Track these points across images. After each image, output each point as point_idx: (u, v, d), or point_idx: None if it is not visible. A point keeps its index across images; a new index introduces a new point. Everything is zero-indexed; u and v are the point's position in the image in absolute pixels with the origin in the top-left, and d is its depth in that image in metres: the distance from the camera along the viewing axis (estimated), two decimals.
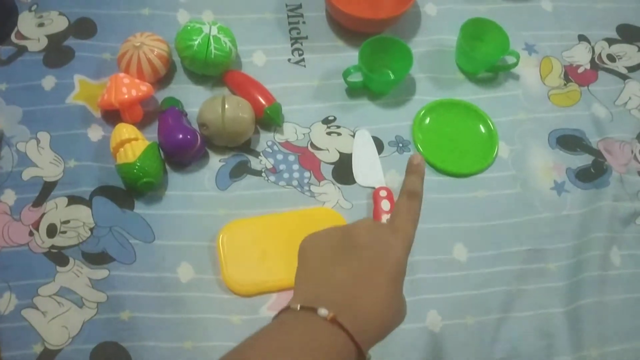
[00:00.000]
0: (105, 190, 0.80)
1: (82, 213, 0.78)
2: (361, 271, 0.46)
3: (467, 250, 0.82)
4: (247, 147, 0.86)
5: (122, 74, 0.83)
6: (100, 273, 0.74)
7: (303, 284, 0.48)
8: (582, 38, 1.01)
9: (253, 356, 0.41)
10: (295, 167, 0.85)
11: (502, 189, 0.87)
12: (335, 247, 0.49)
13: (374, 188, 0.84)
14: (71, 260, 0.75)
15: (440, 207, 0.84)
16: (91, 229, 0.77)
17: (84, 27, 0.91)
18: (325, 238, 0.50)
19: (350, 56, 0.93)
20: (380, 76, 0.92)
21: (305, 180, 0.84)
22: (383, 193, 0.83)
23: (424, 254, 0.80)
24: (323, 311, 0.43)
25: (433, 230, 0.82)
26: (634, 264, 0.84)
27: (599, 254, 0.83)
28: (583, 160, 0.90)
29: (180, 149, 0.80)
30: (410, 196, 0.52)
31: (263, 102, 0.86)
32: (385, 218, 0.81)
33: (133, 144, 0.79)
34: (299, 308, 0.44)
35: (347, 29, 0.95)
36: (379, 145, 0.88)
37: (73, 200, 0.78)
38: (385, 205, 0.82)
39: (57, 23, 0.91)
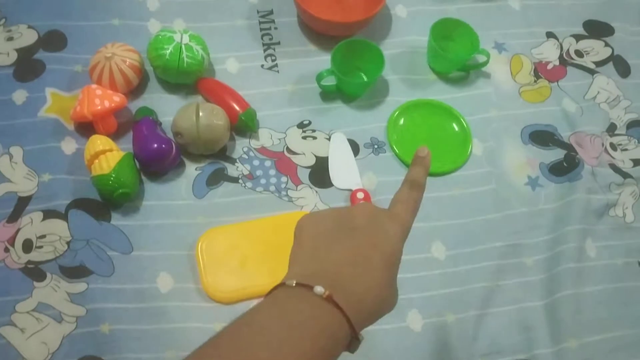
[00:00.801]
0: (81, 203, 0.79)
1: (58, 227, 0.77)
2: (358, 252, 0.46)
3: (445, 248, 0.83)
4: (223, 154, 0.86)
5: (94, 86, 0.83)
6: (79, 287, 0.74)
7: (298, 261, 0.48)
8: (550, 35, 1.03)
9: (248, 333, 0.40)
10: (272, 172, 0.85)
11: (477, 186, 0.88)
12: (332, 227, 0.49)
13: (351, 190, 0.84)
14: (48, 275, 0.74)
15: None
16: (68, 243, 0.76)
17: (54, 40, 0.90)
18: (323, 218, 0.50)
19: (323, 60, 0.93)
20: (353, 79, 0.92)
21: (283, 185, 0.84)
22: (360, 195, 0.83)
23: (403, 253, 0.80)
24: (319, 289, 0.42)
25: (411, 230, 0.82)
26: (608, 255, 0.85)
27: (574, 247, 0.84)
28: (555, 154, 0.92)
29: (156, 159, 0.80)
30: (412, 186, 0.52)
31: (237, 108, 0.86)
32: None
33: (108, 155, 0.79)
34: (294, 284, 0.43)
35: (319, 33, 0.96)
36: (355, 148, 0.88)
37: (49, 214, 0.78)
38: None
39: (27, 36, 0.90)
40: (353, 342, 0.44)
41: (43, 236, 0.76)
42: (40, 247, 0.76)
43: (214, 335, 0.41)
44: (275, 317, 0.42)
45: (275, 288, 0.44)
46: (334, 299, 0.42)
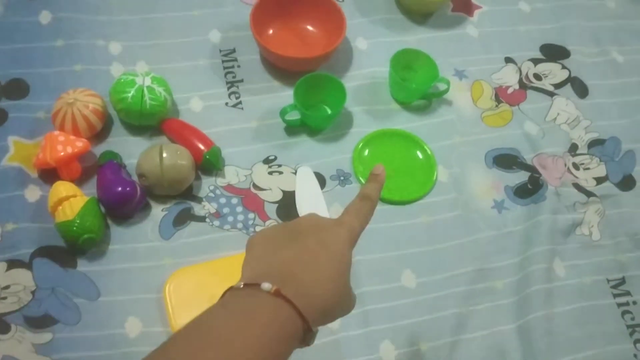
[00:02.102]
0: (45, 251, 0.78)
1: (23, 277, 0.76)
2: (304, 253, 0.47)
3: (415, 276, 0.83)
4: (189, 193, 0.85)
5: (56, 132, 0.83)
6: (44, 337, 0.72)
7: (247, 268, 0.49)
8: (508, 60, 1.05)
9: (197, 335, 0.41)
10: (239, 209, 0.85)
11: (444, 212, 0.88)
12: (280, 235, 0.50)
13: None
14: (13, 326, 0.73)
15: (386, 235, 0.85)
16: (33, 292, 0.75)
17: (16, 88, 0.90)
18: (271, 230, 0.51)
19: (287, 95, 0.94)
20: (316, 112, 0.93)
21: (250, 222, 0.84)
22: None
23: (373, 284, 0.81)
24: (266, 285, 0.43)
25: (380, 260, 0.83)
26: (577, 274, 0.86)
27: (543, 267, 0.85)
28: (520, 177, 0.93)
29: (120, 202, 0.80)
30: (362, 198, 0.54)
31: (202, 147, 0.86)
32: None
33: (71, 201, 0.78)
34: (242, 286, 0.44)
35: (281, 69, 0.97)
36: (321, 180, 0.89)
37: (12, 264, 0.77)
38: None
39: None
40: (307, 334, 0.44)
41: (7, 287, 0.75)
42: (4, 298, 0.74)
43: (164, 341, 0.41)
44: (223, 316, 0.42)
45: (225, 293, 0.45)
46: (282, 292, 0.43)
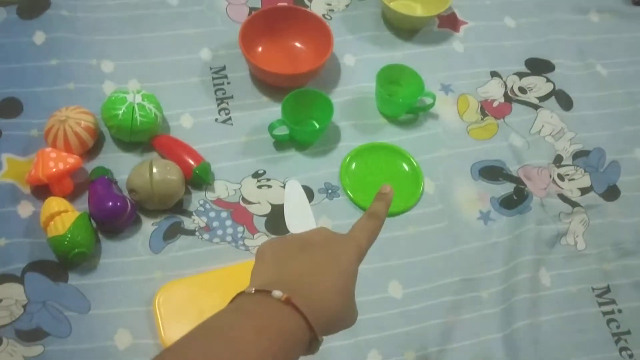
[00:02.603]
0: (37, 265, 0.80)
1: (14, 291, 0.77)
2: (314, 264, 0.49)
3: (402, 287, 0.84)
4: (179, 208, 0.87)
5: (48, 149, 0.85)
6: (35, 350, 0.74)
7: (258, 275, 0.50)
8: (494, 74, 1.07)
9: (206, 338, 0.42)
10: (229, 222, 0.87)
11: (431, 223, 0.90)
12: (291, 246, 0.52)
13: None
14: (4, 340, 0.74)
15: (373, 246, 0.85)
16: (24, 306, 0.76)
17: (9, 107, 0.92)
18: (282, 240, 0.53)
19: (276, 111, 0.96)
20: (304, 127, 0.95)
21: (239, 235, 0.86)
22: None
23: (360, 295, 0.79)
24: (277, 293, 0.44)
25: (367, 271, 0.83)
26: (562, 283, 0.87)
27: (529, 277, 0.86)
28: (505, 188, 0.94)
29: (111, 217, 0.81)
30: (370, 216, 0.55)
31: (192, 162, 0.88)
32: None
33: (63, 216, 0.80)
34: (253, 291, 0.46)
35: (270, 86, 0.99)
36: (309, 194, 0.90)
37: (4, 278, 0.78)
38: None
39: None
40: (313, 343, 0.46)
41: None
42: None
43: (173, 343, 0.42)
44: (234, 320, 0.43)
45: (236, 297, 0.46)
46: (293, 301, 0.44)
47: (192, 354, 0.40)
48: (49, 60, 0.97)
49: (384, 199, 0.57)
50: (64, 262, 0.80)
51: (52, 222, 0.79)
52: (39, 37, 0.99)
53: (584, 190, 0.96)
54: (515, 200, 0.93)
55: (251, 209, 0.88)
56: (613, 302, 0.87)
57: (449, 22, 1.13)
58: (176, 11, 1.07)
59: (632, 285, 0.89)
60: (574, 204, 0.94)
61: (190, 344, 0.41)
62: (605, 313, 0.86)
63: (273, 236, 0.86)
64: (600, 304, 0.87)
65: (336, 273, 0.49)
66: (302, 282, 0.47)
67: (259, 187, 0.90)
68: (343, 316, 0.49)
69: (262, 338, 0.42)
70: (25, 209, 0.84)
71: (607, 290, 0.88)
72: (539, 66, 1.09)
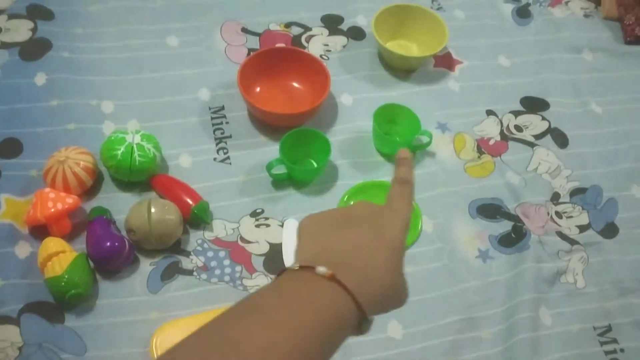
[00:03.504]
0: (34, 307, 0.79)
1: (10, 332, 0.76)
2: (360, 239, 0.47)
3: (401, 327, 0.83)
4: (177, 247, 0.87)
5: (47, 189, 0.85)
6: None
7: (302, 251, 0.48)
8: (490, 112, 1.08)
9: (249, 315, 0.40)
10: (227, 262, 0.86)
11: (429, 262, 0.90)
12: (334, 221, 0.49)
13: None
14: None
15: None
16: (20, 348, 0.75)
17: (9, 147, 0.93)
18: (324, 214, 0.51)
19: (274, 150, 0.97)
20: (302, 166, 0.96)
21: (237, 275, 0.85)
22: None
23: (361, 335, 0.81)
24: (322, 269, 0.43)
25: None
26: (563, 322, 0.87)
27: (529, 316, 0.85)
28: (503, 226, 0.94)
29: (109, 257, 0.81)
30: (401, 183, 0.53)
31: (190, 202, 0.88)
32: None
33: (60, 256, 0.79)
34: (297, 267, 0.44)
35: (268, 125, 1.00)
36: None
37: (0, 320, 0.77)
38: None
39: None
40: (363, 323, 0.44)
41: None
42: None
43: (212, 320, 0.40)
44: (275, 298, 0.42)
45: (280, 273, 0.45)
46: (338, 277, 0.42)
47: (231, 332, 0.38)
48: (49, 101, 0.98)
49: (406, 163, 0.55)
50: (61, 303, 0.79)
51: (50, 263, 0.79)
52: (40, 78, 1.00)
53: (582, 228, 0.96)
54: (514, 238, 0.93)
55: (249, 248, 0.88)
56: (615, 341, 0.86)
57: (445, 61, 1.15)
58: (176, 52, 1.08)
59: (633, 324, 0.88)
60: (572, 242, 0.94)
61: (229, 321, 0.40)
62: (607, 352, 0.85)
63: (271, 276, 0.86)
64: (602, 343, 0.86)
65: (383, 248, 0.47)
66: (348, 258, 0.45)
67: (257, 226, 0.90)
68: (393, 294, 0.47)
69: (305, 316, 0.40)
70: (23, 250, 0.84)
71: (609, 329, 0.87)
72: (534, 104, 1.11)
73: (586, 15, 1.28)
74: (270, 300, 0.42)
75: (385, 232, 0.48)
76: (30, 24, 1.07)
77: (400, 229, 0.49)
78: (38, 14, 1.08)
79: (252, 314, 0.40)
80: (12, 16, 1.07)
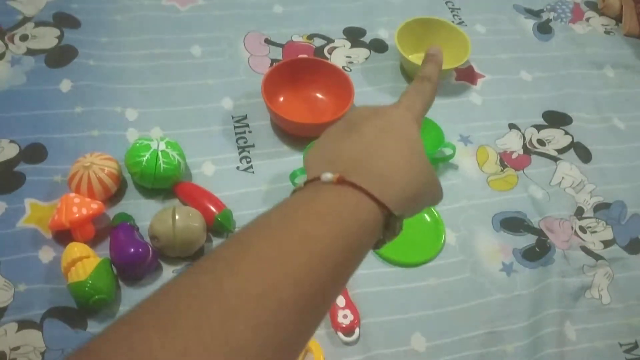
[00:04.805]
0: (57, 312, 0.79)
1: (33, 337, 0.76)
2: (367, 139, 0.43)
3: (425, 340, 0.82)
4: (200, 255, 0.86)
5: (72, 194, 0.85)
6: None
7: (308, 170, 0.45)
8: (512, 126, 1.08)
9: (255, 239, 0.37)
10: None
11: (452, 275, 0.89)
12: (337, 130, 0.46)
13: None
14: None
15: (394, 298, 0.85)
16: (42, 353, 0.75)
17: (34, 152, 0.93)
18: (325, 133, 0.48)
19: (297, 159, 0.97)
20: None
21: None
22: None
23: (382, 347, 0.80)
24: (327, 175, 0.40)
25: (389, 323, 0.83)
26: (589, 338, 0.85)
27: (554, 331, 0.84)
28: (527, 240, 0.94)
29: (132, 263, 0.81)
30: (421, 80, 0.50)
31: (213, 209, 0.88)
32: (341, 314, 0.81)
33: (84, 261, 0.79)
34: (303, 185, 0.41)
35: (291, 135, 1.00)
36: None
37: (23, 325, 0.77)
38: (340, 301, 0.82)
39: (8, 150, 0.93)
40: (391, 221, 0.40)
41: (17, 348, 0.75)
42: (14, 359, 0.74)
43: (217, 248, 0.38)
44: (281, 216, 0.39)
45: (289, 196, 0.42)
46: (347, 179, 0.39)
47: (230, 261, 0.36)
48: (74, 108, 0.99)
49: (434, 60, 0.51)
50: (84, 308, 0.79)
51: (74, 268, 0.79)
52: (65, 85, 1.01)
53: (606, 243, 0.95)
54: (538, 252, 0.92)
55: None
56: None
57: (467, 75, 1.15)
58: (199, 62, 1.09)
59: None
60: (597, 257, 0.93)
61: (228, 251, 0.37)
62: None
63: None
64: None
65: (393, 141, 0.43)
66: (357, 159, 0.42)
67: None
68: (420, 185, 0.43)
69: (318, 226, 0.37)
70: (46, 254, 0.83)
71: (635, 346, 0.86)
72: (556, 119, 1.10)
73: (607, 32, 1.28)
74: (276, 219, 0.38)
75: (392, 125, 0.44)
76: (57, 32, 1.08)
77: (407, 118, 0.45)
78: (65, 22, 1.10)
79: (255, 238, 0.37)
80: (38, 24, 1.09)
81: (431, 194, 0.46)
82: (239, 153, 0.98)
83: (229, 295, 0.33)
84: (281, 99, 1.04)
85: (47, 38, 1.07)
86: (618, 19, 1.30)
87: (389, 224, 0.40)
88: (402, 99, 0.48)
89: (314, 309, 0.36)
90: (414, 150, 0.44)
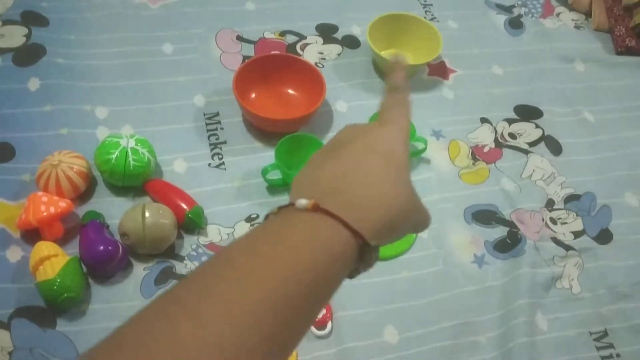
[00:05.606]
0: (24, 311, 0.78)
1: (1, 337, 0.75)
2: (348, 163, 0.41)
3: (397, 332, 0.82)
4: (171, 252, 0.86)
5: (40, 193, 0.84)
6: None
7: (290, 195, 0.42)
8: (484, 120, 1.09)
9: (219, 270, 0.35)
10: None
11: (425, 267, 0.89)
12: (320, 155, 0.44)
13: None
14: None
15: (367, 291, 0.85)
16: (10, 353, 0.74)
17: (2, 152, 0.91)
18: (313, 155, 0.45)
19: (269, 156, 0.96)
20: (297, 171, 0.95)
21: None
22: None
23: (355, 340, 0.80)
24: (301, 201, 0.37)
25: (361, 316, 0.83)
26: (560, 327, 0.86)
27: (525, 321, 0.85)
28: (499, 232, 0.94)
29: (102, 261, 0.80)
30: (395, 90, 0.47)
31: (184, 206, 0.87)
32: None
33: (53, 260, 0.78)
34: (277, 210, 0.39)
35: (263, 131, 1.00)
36: None
37: None
38: None
39: None
40: (365, 251, 0.37)
41: None
42: None
43: (179, 283, 0.35)
44: (245, 247, 0.36)
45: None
46: (321, 206, 0.37)
47: (186, 299, 0.33)
48: (43, 106, 0.98)
49: (399, 69, 0.49)
50: (52, 307, 0.78)
51: (42, 266, 0.78)
52: (34, 84, 1.00)
53: (576, 234, 0.96)
54: (509, 244, 0.93)
55: None
56: (611, 346, 0.86)
57: (439, 70, 1.15)
58: (171, 59, 1.08)
59: (629, 329, 0.88)
60: (567, 248, 0.94)
61: (187, 292, 0.34)
62: (603, 358, 0.85)
63: None
64: (598, 349, 0.86)
65: (377, 164, 0.40)
66: (335, 184, 0.39)
67: None
68: (403, 211, 0.40)
69: (285, 261, 0.34)
70: (14, 254, 0.82)
71: (605, 334, 0.87)
72: (527, 113, 1.11)
73: (577, 27, 1.30)
74: (239, 251, 0.36)
75: (376, 145, 0.41)
76: (25, 30, 1.06)
77: (395, 137, 0.43)
78: (33, 20, 1.08)
79: (217, 274, 0.34)
80: (6, 22, 1.07)
81: (414, 221, 0.43)
82: (211, 150, 0.98)
83: (186, 343, 0.31)
84: (253, 95, 1.03)
85: (15, 36, 1.05)
86: (588, 14, 1.32)
87: (363, 254, 0.38)
88: (385, 116, 0.45)
89: (281, 348, 0.34)
90: (397, 173, 0.41)
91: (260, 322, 0.32)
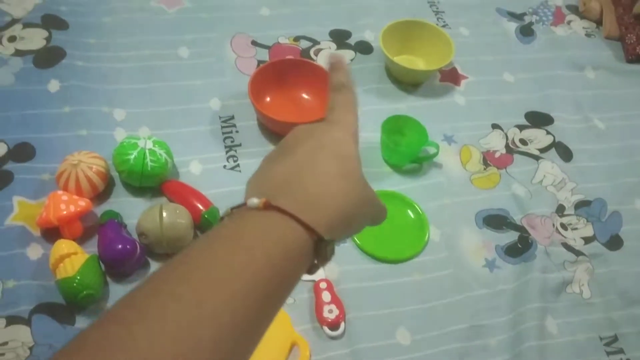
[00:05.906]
0: (45, 308, 0.79)
1: (21, 333, 0.76)
2: (299, 162, 0.42)
3: (410, 334, 0.84)
4: None
5: (60, 192, 0.86)
6: None
7: (245, 195, 0.43)
8: (495, 126, 1.10)
9: (179, 270, 0.36)
10: None
11: (437, 270, 0.90)
12: (272, 156, 0.45)
13: (314, 281, 0.86)
14: None
15: (380, 293, 0.86)
16: (30, 349, 0.76)
17: (22, 151, 0.93)
18: (263, 159, 0.47)
19: None
20: None
21: None
22: (323, 285, 0.85)
23: (367, 341, 0.82)
24: (253, 200, 0.38)
25: (374, 317, 0.84)
26: (570, 332, 0.87)
27: (535, 325, 0.86)
28: (509, 237, 0.95)
29: (120, 260, 0.82)
30: (338, 89, 0.49)
31: (200, 207, 0.89)
32: (327, 309, 0.82)
33: (72, 258, 0.80)
34: (230, 211, 0.40)
35: (277, 134, 1.02)
36: None
37: (12, 320, 0.77)
38: (326, 296, 0.84)
39: None
40: (320, 246, 0.38)
41: (5, 343, 0.75)
42: (2, 354, 0.75)
43: (136, 287, 0.35)
44: (203, 246, 0.37)
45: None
46: (273, 204, 0.38)
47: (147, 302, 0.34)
48: (62, 108, 1.00)
49: (339, 66, 0.50)
50: (72, 304, 0.79)
51: (62, 264, 0.79)
52: (54, 86, 1.02)
53: (587, 240, 0.97)
54: (520, 249, 0.94)
55: None
56: (621, 351, 0.87)
57: (450, 76, 1.17)
58: (187, 63, 1.10)
59: (639, 335, 0.88)
60: (577, 253, 0.95)
61: (141, 294, 0.35)
62: None
63: None
64: (608, 353, 0.86)
65: (328, 161, 0.42)
66: (287, 182, 0.40)
67: None
68: (357, 206, 0.42)
69: (239, 261, 0.35)
70: (34, 251, 0.84)
71: (615, 339, 0.88)
72: (538, 119, 1.12)
73: (588, 35, 1.31)
74: (196, 253, 0.37)
75: (327, 144, 0.43)
76: (45, 33, 1.09)
77: (344, 136, 0.44)
78: (53, 23, 1.10)
79: (172, 276, 0.35)
80: (27, 25, 1.10)
81: (369, 215, 0.44)
82: (226, 152, 0.99)
83: (140, 344, 0.31)
84: (268, 99, 1.05)
85: (35, 39, 1.07)
86: (598, 22, 1.33)
87: (319, 249, 0.38)
88: (332, 116, 0.47)
89: (238, 347, 0.35)
90: (349, 170, 0.42)
91: (218, 321, 0.33)
